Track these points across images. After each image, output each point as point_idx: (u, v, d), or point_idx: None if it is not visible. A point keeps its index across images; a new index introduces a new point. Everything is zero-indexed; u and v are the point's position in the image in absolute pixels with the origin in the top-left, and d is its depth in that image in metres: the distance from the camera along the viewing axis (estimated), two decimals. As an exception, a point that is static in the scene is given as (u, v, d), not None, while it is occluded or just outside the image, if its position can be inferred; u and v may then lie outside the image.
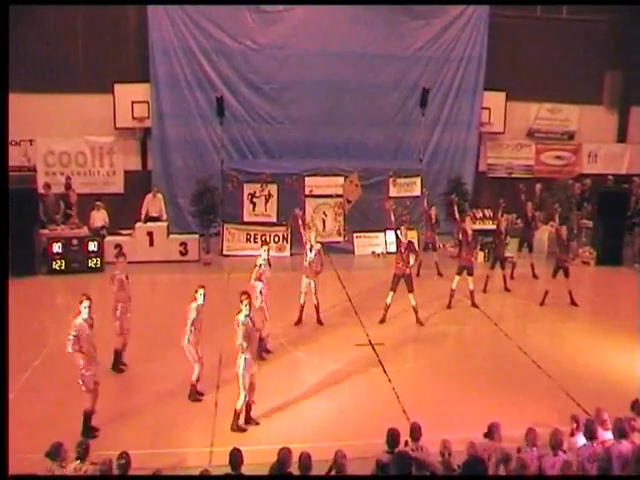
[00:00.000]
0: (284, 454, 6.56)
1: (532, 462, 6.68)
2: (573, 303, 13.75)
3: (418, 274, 14.99)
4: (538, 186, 19.17)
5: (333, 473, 6.63)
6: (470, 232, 13.52)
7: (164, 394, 9.64)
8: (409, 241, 12.73)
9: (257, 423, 8.88)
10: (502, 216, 15.10)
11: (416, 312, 12.62)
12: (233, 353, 8.66)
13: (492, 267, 14.71)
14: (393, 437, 6.85)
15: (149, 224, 16.70)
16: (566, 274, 13.58)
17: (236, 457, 6.64)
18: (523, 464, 6.57)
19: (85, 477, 6.73)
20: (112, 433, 8.50)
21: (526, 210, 16.08)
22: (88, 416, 8.50)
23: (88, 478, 6.74)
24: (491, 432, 7.14)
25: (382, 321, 12.59)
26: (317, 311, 12.52)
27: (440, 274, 15.42)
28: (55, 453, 6.59)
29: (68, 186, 17.44)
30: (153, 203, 17.29)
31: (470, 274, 13.39)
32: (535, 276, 15.46)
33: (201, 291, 9.37)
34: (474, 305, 13.49)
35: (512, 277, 15.09)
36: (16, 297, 12.53)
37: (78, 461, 6.59)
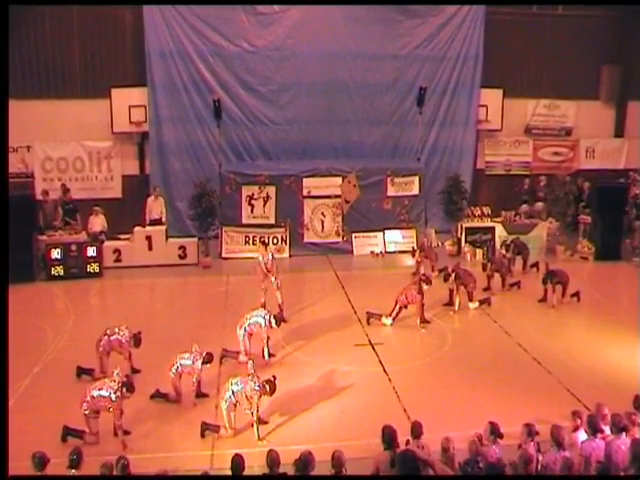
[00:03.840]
0: (272, 457, 6.60)
1: (532, 455, 6.69)
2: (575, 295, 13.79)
3: (417, 273, 15.00)
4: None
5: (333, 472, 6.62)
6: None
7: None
8: None
9: (265, 422, 8.89)
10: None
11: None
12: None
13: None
14: (390, 435, 6.84)
15: (148, 228, 16.69)
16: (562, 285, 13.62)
17: (238, 463, 6.62)
18: (527, 458, 6.55)
19: (85, 477, 6.76)
20: (113, 437, 8.49)
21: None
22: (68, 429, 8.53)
23: (88, 478, 6.77)
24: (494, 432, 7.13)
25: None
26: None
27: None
28: (76, 460, 6.67)
29: (66, 190, 17.39)
30: (155, 205, 17.38)
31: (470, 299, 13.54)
32: (538, 268, 15.43)
33: None
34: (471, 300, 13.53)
35: (510, 272, 15.01)
36: (15, 303, 12.56)
37: (73, 470, 6.62)
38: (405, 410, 9.29)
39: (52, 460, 6.72)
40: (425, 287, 12.34)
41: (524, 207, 18.55)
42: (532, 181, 19.73)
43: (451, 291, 13.47)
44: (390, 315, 12.45)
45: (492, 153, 20.84)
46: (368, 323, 12.55)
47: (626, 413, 7.27)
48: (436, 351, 11.51)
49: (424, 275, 12.52)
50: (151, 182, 18.47)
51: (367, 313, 12.65)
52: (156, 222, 17.07)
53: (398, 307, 12.43)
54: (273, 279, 12.85)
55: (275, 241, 17.25)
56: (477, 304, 13.47)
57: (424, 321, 12.45)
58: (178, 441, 8.61)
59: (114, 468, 6.61)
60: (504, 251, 15.35)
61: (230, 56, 18.53)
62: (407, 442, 7.10)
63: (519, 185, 19.57)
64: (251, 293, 13.69)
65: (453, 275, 13.36)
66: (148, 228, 16.69)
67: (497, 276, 14.56)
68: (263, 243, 13.94)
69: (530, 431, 7.01)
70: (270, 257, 12.96)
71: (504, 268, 14.69)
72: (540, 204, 18.70)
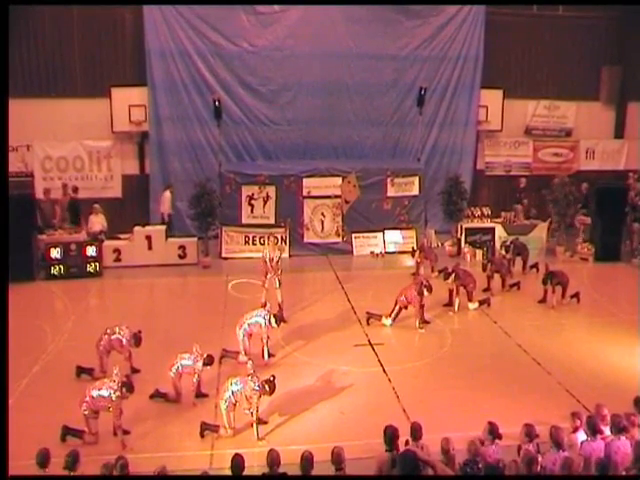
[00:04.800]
0: (273, 456, 6.58)
1: (535, 455, 6.67)
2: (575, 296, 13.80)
3: (416, 273, 15.00)
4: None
5: (333, 470, 6.61)
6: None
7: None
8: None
9: (265, 422, 8.88)
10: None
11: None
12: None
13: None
14: (391, 435, 6.83)
15: (147, 228, 16.70)
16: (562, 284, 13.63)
17: (237, 463, 6.60)
18: (530, 459, 6.52)
19: (85, 477, 6.75)
20: (113, 437, 8.48)
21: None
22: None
23: (88, 478, 6.76)
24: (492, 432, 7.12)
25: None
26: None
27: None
28: (72, 462, 6.66)
29: (74, 189, 17.43)
30: (167, 201, 17.67)
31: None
32: (537, 269, 15.43)
33: None
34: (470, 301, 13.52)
35: (509, 272, 14.99)
36: (15, 303, 12.52)
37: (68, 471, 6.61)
38: (404, 410, 9.28)
39: (51, 459, 6.71)
40: (426, 293, 12.33)
41: (518, 207, 18.52)
42: (528, 181, 19.71)
43: (451, 291, 13.47)
44: (390, 315, 12.44)
45: (492, 154, 20.86)
46: (368, 323, 12.54)
47: (625, 414, 7.26)
48: (436, 351, 11.50)
49: (427, 281, 12.47)
50: (151, 182, 18.56)
51: (367, 313, 12.65)
52: (169, 217, 17.47)
53: (398, 308, 12.43)
54: (275, 278, 12.84)
55: (275, 241, 17.22)
56: (477, 305, 13.46)
57: (424, 321, 12.44)
58: (177, 441, 8.59)
59: (114, 468, 6.61)
60: (504, 252, 15.35)
61: (230, 56, 18.55)
62: (406, 442, 7.09)
63: (516, 183, 19.58)
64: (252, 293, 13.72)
65: (453, 275, 13.36)
66: (148, 228, 16.71)
67: (497, 277, 14.57)
68: (275, 241, 13.60)
69: (530, 431, 7.01)
70: (277, 255, 12.94)
71: (504, 269, 14.69)
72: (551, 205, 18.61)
